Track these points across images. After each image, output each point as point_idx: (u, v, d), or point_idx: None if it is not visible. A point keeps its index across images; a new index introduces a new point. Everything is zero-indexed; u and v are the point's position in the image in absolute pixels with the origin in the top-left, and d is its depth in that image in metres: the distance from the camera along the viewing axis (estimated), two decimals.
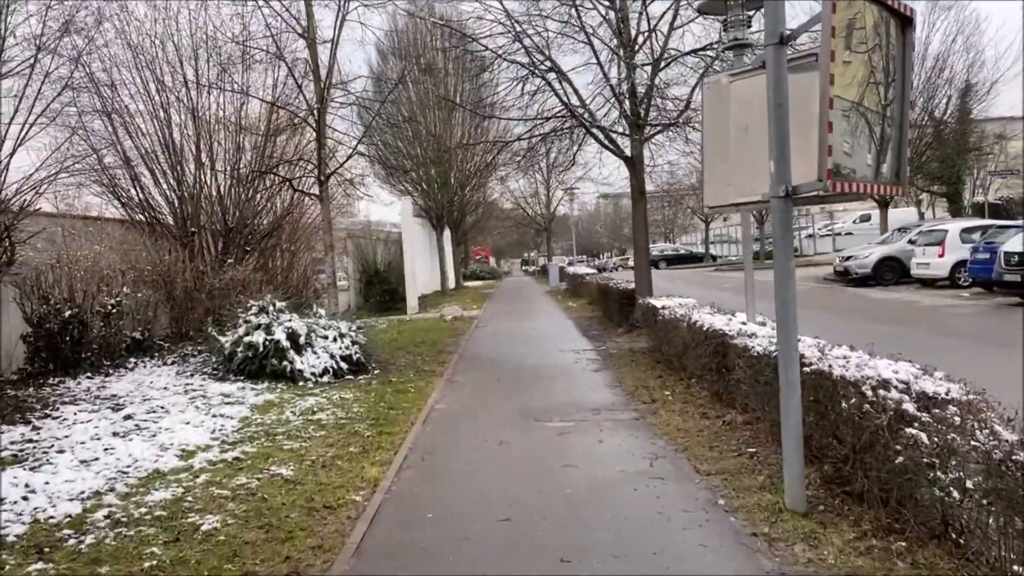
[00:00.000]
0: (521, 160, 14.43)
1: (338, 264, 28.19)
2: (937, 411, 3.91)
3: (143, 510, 4.98)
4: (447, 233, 34.00)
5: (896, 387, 4.24)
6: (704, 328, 7.58)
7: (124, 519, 4.84)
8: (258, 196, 15.80)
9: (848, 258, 22.68)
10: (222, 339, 10.28)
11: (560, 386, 9.07)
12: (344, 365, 10.19)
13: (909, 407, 4.02)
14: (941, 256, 19.14)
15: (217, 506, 5.05)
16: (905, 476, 3.94)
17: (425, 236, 31.04)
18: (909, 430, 3.88)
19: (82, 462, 6.03)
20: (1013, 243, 14.71)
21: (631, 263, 53.75)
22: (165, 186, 14.02)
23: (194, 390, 9.07)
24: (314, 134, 12.94)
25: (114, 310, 10.44)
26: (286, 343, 9.83)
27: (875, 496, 4.31)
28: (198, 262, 13.94)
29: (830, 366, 4.80)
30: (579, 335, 14.27)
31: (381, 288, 24.40)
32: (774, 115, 4.33)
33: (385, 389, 9.24)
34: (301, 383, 9.65)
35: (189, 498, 5.22)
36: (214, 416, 7.67)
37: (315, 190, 13.24)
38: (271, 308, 10.32)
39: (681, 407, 7.41)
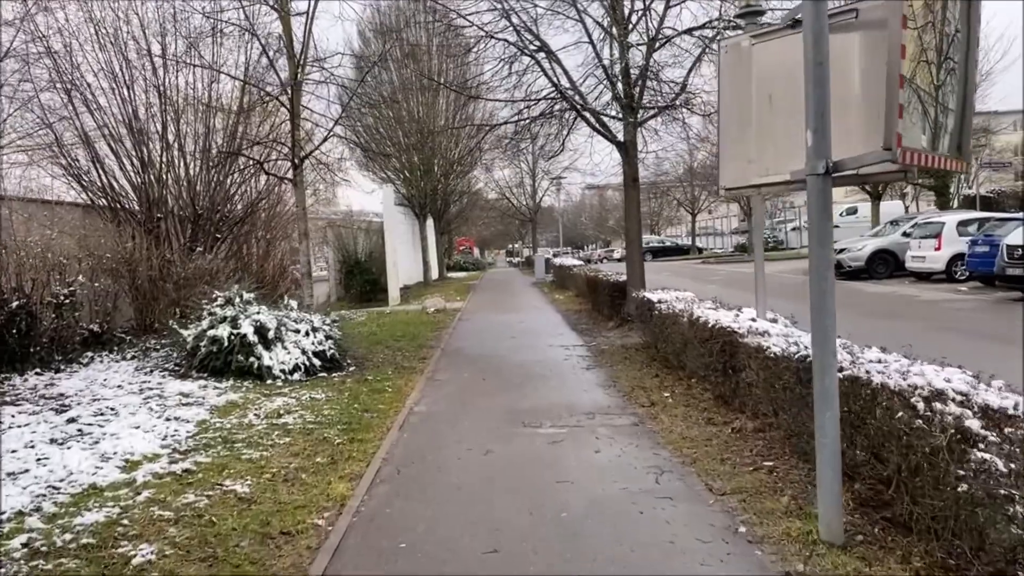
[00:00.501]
0: (508, 144, 13.71)
1: (318, 254, 27.46)
2: (1010, 430, 3.28)
3: (68, 536, 4.24)
4: (430, 223, 33.18)
5: (953, 399, 3.61)
6: (709, 325, 6.93)
7: (45, 548, 4.11)
8: (229, 180, 14.99)
9: (841, 251, 22.17)
10: (184, 332, 9.50)
11: (550, 386, 8.41)
12: (317, 361, 9.46)
13: (973, 424, 3.39)
14: (937, 249, 18.67)
15: (156, 532, 4.33)
16: (971, 507, 3.31)
17: (407, 225, 30.22)
18: (978, 453, 3.25)
19: (8, 475, 5.28)
20: (1016, 236, 14.22)
21: (616, 255, 53.16)
22: (129, 168, 13.16)
23: (150, 389, 8.31)
24: (288, 115, 12.14)
25: (67, 301, 9.64)
26: (253, 338, 9.08)
27: (926, 526, 3.69)
28: (164, 250, 13.13)
29: (867, 372, 4.17)
30: (568, 329, 13.61)
31: (362, 279, 23.73)
32: (813, 77, 3.67)
33: (360, 388, 8.53)
34: (269, 381, 8.91)
35: (125, 521, 4.49)
36: (168, 419, 6.92)
37: (292, 174, 12.44)
38: (238, 299, 9.56)
39: (683, 411, 6.76)
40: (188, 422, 6.89)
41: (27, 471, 5.37)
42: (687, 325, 7.76)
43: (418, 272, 30.98)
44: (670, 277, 24.23)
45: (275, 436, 6.44)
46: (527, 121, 13.26)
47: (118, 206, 13.25)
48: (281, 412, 7.31)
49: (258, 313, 9.40)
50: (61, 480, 5.23)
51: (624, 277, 13.67)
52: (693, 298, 9.36)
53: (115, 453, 5.82)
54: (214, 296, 9.71)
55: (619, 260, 53.05)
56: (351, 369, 9.83)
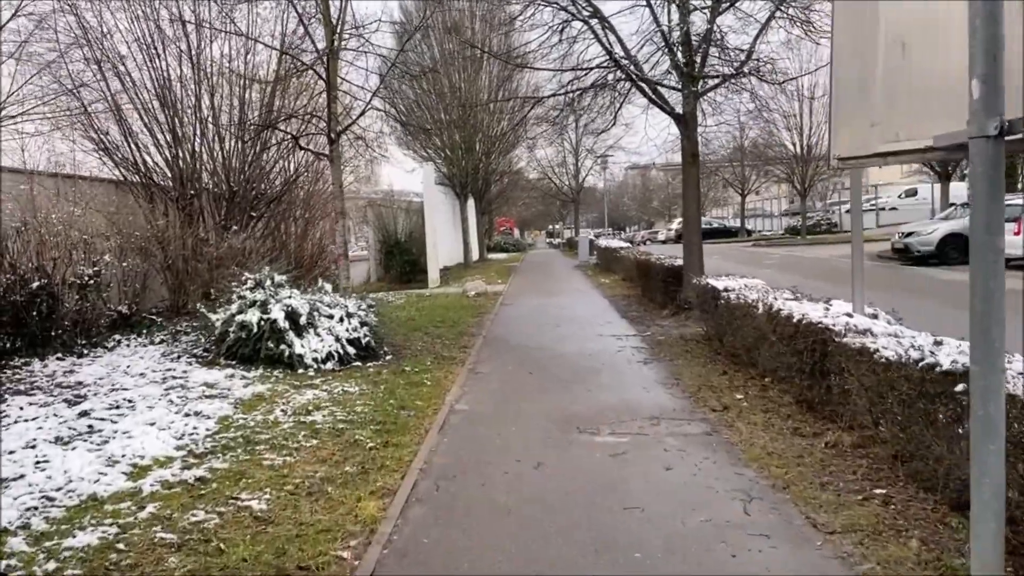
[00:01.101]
0: (557, 116, 12.79)
1: (359, 234, 26.89)
2: None
3: (52, 566, 3.62)
4: (471, 202, 32.44)
5: None
6: (794, 320, 6.04)
7: None
8: (266, 156, 14.41)
9: (909, 234, 20.79)
10: (212, 316, 8.94)
11: (605, 382, 7.61)
12: (351, 350, 8.80)
13: None
14: (1017, 234, 17.24)
15: (154, 560, 3.68)
16: None
17: (448, 205, 29.54)
18: None
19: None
20: None
21: (660, 237, 51.82)
22: (162, 141, 12.63)
23: (175, 378, 7.74)
24: (324, 86, 11.43)
25: (91, 281, 9.14)
26: (284, 323, 8.45)
27: None
28: (198, 228, 12.64)
29: None
30: (618, 317, 12.76)
31: (402, 259, 23.26)
32: (983, 7, 2.77)
33: (397, 381, 7.84)
34: (300, 371, 8.29)
35: (121, 545, 3.85)
36: (187, 415, 6.30)
37: (328, 149, 11.75)
38: (268, 282, 8.93)
39: (763, 418, 5.91)
40: (209, 418, 6.27)
41: (23, 476, 4.77)
42: (763, 318, 6.87)
43: (458, 253, 30.33)
44: (720, 261, 23.13)
45: (301, 437, 5.77)
46: (577, 92, 12.35)
47: (150, 182, 12.76)
48: (310, 408, 6.65)
49: (289, 297, 8.77)
50: (58, 489, 4.62)
51: (679, 261, 12.75)
52: (764, 286, 8.47)
53: (123, 456, 5.21)
54: (244, 278, 9.10)
55: (663, 242, 51.71)
56: (388, 358, 9.16)
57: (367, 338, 8.99)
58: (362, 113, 11.85)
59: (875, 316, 5.68)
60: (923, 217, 38.38)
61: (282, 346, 8.41)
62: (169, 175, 12.98)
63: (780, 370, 6.55)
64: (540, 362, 8.83)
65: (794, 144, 35.98)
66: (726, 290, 8.47)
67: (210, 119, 12.94)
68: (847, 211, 46.54)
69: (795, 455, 4.98)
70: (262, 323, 8.43)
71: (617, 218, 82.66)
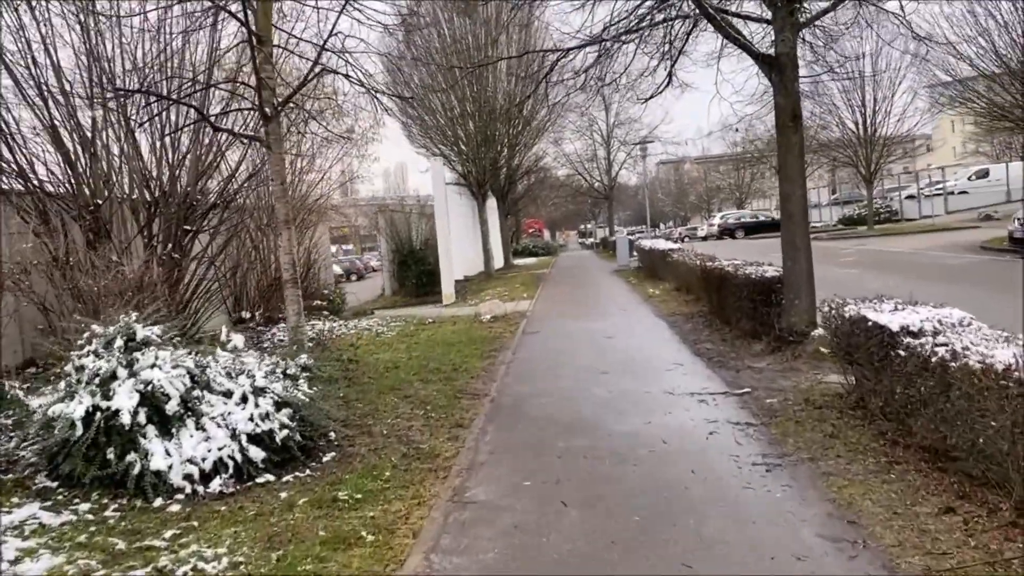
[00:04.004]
0: (591, 68, 8.93)
1: (377, 242, 23.31)
2: None
3: None
4: (492, 203, 28.76)
5: None
6: None
7: None
8: (209, 148, 10.89)
9: None
10: (33, 404, 5.45)
11: (709, 536, 3.85)
12: (257, 453, 5.17)
13: None
14: None
15: None
16: None
17: (467, 207, 25.97)
18: None
19: None
20: None
21: (700, 233, 47.85)
22: (44, 131, 9.17)
23: None
24: (249, 38, 7.83)
25: None
26: (130, 416, 4.86)
27: None
28: (106, 249, 9.17)
29: None
30: (687, 352, 8.93)
31: (418, 269, 20.32)
32: None
33: (312, 531, 4.15)
34: (159, 501, 4.71)
35: None
36: None
37: (265, 130, 8.17)
38: (119, 342, 5.35)
39: None
40: None
41: None
42: None
43: (480, 261, 26.74)
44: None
45: None
46: (614, 38, 8.58)
47: (39, 190, 9.30)
48: None
49: (153, 366, 5.19)
50: None
51: (768, 270, 8.94)
52: (978, 323, 4.69)
53: None
54: (87, 334, 5.54)
55: (703, 239, 47.35)
56: (325, 459, 5.52)
57: (285, 430, 5.33)
58: (307, 79, 8.23)
59: None
60: (998, 200, 34.00)
61: (131, 456, 4.84)
62: (70, 179, 9.53)
63: None
64: (582, 468, 5.10)
65: (856, 123, 31.67)
66: (910, 333, 4.69)
67: (105, 86, 9.37)
68: (907, 197, 42.10)
69: None
70: (94, 417, 4.85)
71: (651, 214, 78.41)
